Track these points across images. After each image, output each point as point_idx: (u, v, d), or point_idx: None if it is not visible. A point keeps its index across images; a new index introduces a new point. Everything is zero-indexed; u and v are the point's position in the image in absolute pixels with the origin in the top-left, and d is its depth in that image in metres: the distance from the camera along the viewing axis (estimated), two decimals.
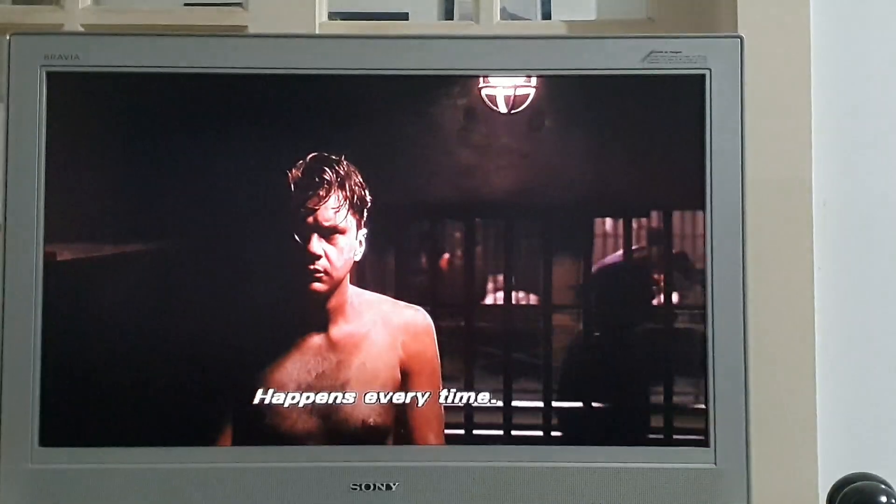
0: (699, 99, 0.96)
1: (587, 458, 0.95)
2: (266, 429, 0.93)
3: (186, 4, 1.73)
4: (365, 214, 0.94)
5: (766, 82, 1.12)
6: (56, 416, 0.94)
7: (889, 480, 0.95)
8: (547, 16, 1.95)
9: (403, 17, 1.88)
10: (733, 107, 0.95)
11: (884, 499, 0.92)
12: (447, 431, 0.94)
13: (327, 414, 0.94)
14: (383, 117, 0.96)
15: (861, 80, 1.19)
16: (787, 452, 1.11)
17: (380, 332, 0.93)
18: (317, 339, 0.94)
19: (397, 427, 0.93)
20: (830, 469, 1.08)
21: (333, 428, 0.93)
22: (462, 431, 0.95)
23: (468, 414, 0.95)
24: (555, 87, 0.96)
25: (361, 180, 0.94)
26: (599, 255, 0.96)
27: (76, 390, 0.94)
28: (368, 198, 0.93)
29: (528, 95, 0.96)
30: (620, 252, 0.96)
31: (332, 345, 0.94)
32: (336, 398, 0.94)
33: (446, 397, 0.94)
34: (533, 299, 0.96)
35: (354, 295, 0.93)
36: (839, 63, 1.18)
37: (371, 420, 0.93)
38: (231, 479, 0.93)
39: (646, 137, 0.97)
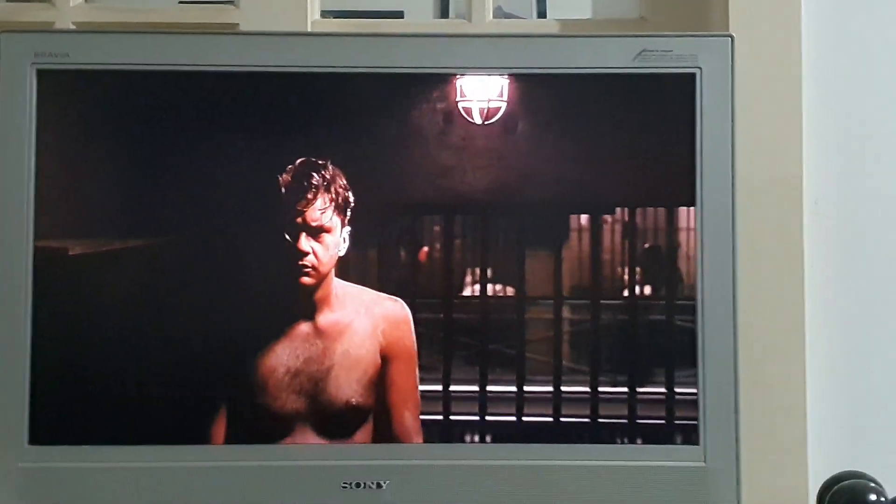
0: (690, 97, 0.96)
1: (576, 456, 0.95)
2: (257, 409, 0.95)
3: (181, 2, 1.72)
4: (349, 214, 0.96)
5: (757, 81, 1.12)
6: (46, 413, 0.94)
7: (879, 479, 0.95)
8: (542, 14, 1.94)
9: (398, 15, 1.87)
10: (724, 105, 0.96)
11: (873, 497, 0.92)
12: (423, 417, 0.96)
13: (314, 395, 0.96)
14: (370, 120, 0.96)
15: (852, 78, 1.19)
16: (777, 451, 1.11)
17: (362, 321, 0.97)
18: (304, 327, 0.97)
19: (377, 406, 0.96)
20: (820, 467, 1.08)
21: (319, 409, 0.96)
22: (440, 417, 0.96)
23: (446, 401, 0.96)
24: (545, 85, 0.96)
25: (345, 182, 0.96)
26: (584, 251, 0.97)
27: (67, 387, 0.94)
28: (352, 199, 0.96)
29: (520, 95, 0.96)
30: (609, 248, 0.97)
31: (319, 332, 0.97)
32: (322, 379, 0.96)
33: (422, 382, 0.96)
34: (510, 292, 0.98)
35: (339, 287, 0.97)
36: (830, 62, 1.18)
37: (353, 400, 0.96)
38: (223, 477, 0.93)
39: (636, 136, 0.97)
